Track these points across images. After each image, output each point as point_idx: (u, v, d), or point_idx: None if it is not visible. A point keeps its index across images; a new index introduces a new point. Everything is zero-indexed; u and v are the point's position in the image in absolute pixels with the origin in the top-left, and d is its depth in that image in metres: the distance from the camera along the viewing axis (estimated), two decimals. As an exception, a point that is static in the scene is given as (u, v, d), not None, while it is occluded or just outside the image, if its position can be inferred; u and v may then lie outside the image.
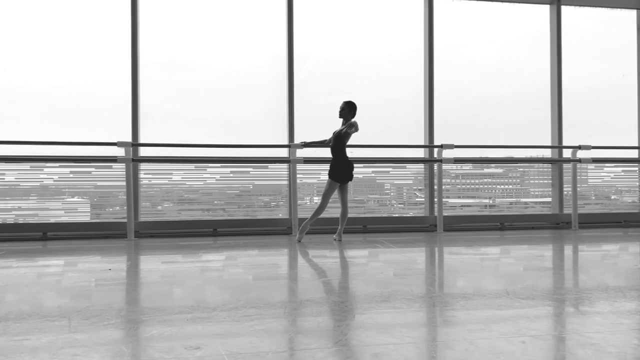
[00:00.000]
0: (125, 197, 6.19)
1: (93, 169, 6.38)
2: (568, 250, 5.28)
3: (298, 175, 6.58)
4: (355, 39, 7.19)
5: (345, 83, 7.09)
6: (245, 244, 5.56)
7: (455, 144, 6.80)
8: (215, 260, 4.54)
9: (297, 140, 6.64)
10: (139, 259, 4.65)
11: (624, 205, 7.80)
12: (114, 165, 6.31)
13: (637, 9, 8.03)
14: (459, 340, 2.13)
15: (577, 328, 2.36)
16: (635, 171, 7.80)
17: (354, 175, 5.86)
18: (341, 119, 5.78)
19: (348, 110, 5.68)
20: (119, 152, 6.18)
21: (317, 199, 6.99)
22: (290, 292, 3.18)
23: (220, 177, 6.74)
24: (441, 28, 7.18)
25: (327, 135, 6.04)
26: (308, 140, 6.30)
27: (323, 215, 6.68)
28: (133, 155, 6.23)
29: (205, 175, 6.71)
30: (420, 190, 7.20)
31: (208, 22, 6.87)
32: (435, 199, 6.88)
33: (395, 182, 7.22)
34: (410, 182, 7.27)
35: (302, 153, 6.54)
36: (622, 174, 7.76)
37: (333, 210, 6.28)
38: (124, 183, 6.20)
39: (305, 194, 7.01)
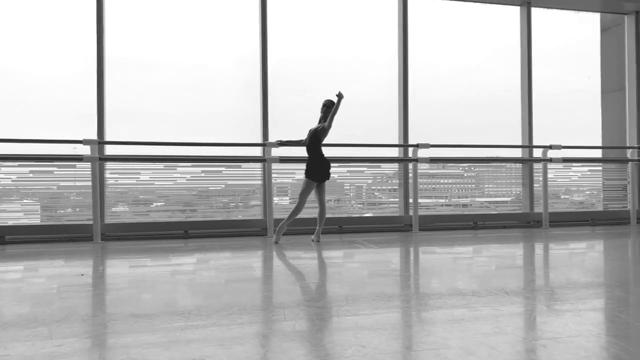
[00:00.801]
0: (88, 197, 5.88)
1: (55, 169, 6.04)
2: (539, 248, 5.30)
3: (273, 175, 6.41)
4: (329, 40, 7.07)
5: (319, 84, 6.96)
6: (218, 246, 5.35)
7: (430, 144, 6.78)
8: (186, 264, 4.32)
9: (272, 139, 6.47)
10: (106, 263, 4.39)
11: (591, 204, 7.97)
12: (78, 164, 5.98)
13: (600, 12, 8.23)
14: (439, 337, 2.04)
15: (546, 323, 2.31)
16: (599, 170, 7.99)
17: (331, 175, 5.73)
18: (318, 119, 5.64)
19: (329, 109, 5.54)
20: (85, 150, 5.86)
21: (290, 199, 6.85)
22: (266, 295, 3.03)
23: (191, 176, 6.49)
24: (415, 28, 7.15)
25: (300, 134, 5.91)
26: (284, 139, 6.14)
27: (300, 215, 6.55)
28: (99, 154, 5.93)
29: (175, 175, 6.45)
30: (380, 190, 7.15)
31: (177, 20, 6.62)
32: (411, 199, 6.84)
33: (357, 183, 7.14)
34: (370, 181, 7.21)
35: (277, 152, 6.38)
36: (589, 173, 7.93)
37: (310, 211, 6.14)
38: (89, 183, 5.89)
39: (281, 193, 6.85)
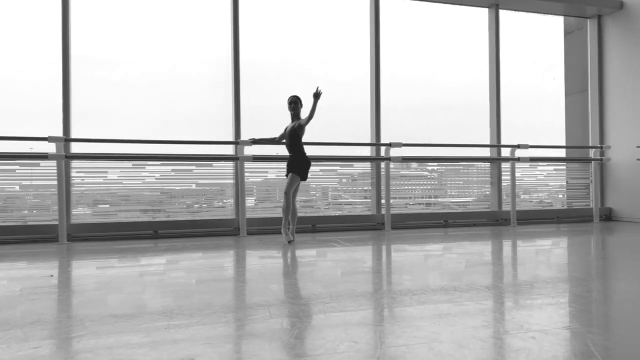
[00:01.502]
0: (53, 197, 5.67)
1: (17, 167, 5.79)
2: (511, 245, 5.39)
3: (245, 174, 6.32)
4: (300, 40, 7.03)
5: (290, 83, 6.91)
6: (190, 246, 5.23)
7: (403, 143, 6.82)
8: (159, 264, 4.20)
9: (244, 137, 6.38)
10: (75, 264, 4.23)
11: (556, 202, 8.18)
12: (43, 163, 5.76)
13: (564, 15, 8.46)
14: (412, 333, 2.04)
15: (515, 317, 2.35)
16: (563, 169, 8.21)
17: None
18: (290, 117, 5.58)
19: (297, 105, 5.49)
20: (50, 148, 5.64)
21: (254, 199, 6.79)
22: (248, 294, 2.96)
23: (161, 175, 6.34)
24: (387, 28, 7.18)
25: (271, 133, 5.86)
26: (257, 137, 6.06)
27: (272, 215, 6.51)
28: (65, 152, 5.72)
29: (144, 174, 6.29)
30: (350, 190, 7.16)
31: (147, 19, 6.46)
32: (383, 198, 6.86)
33: (329, 183, 7.13)
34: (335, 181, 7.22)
35: (250, 150, 6.30)
36: (554, 172, 8.14)
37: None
38: (54, 182, 5.67)
39: (255, 192, 6.76)
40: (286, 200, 5.38)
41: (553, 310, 2.53)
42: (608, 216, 8.13)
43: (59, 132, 5.85)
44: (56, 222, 5.66)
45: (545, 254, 4.73)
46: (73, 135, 5.93)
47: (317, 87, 5.22)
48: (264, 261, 4.35)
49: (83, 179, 6.08)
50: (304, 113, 5.45)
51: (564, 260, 4.44)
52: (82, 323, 2.32)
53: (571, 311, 2.53)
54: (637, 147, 7.60)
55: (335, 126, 7.00)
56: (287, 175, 5.52)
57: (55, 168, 5.64)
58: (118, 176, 6.18)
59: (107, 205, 6.22)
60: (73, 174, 5.96)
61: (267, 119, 6.55)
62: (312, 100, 5.23)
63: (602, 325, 2.35)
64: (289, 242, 5.33)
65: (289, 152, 5.50)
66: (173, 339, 2.07)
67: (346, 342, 2.01)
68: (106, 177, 6.13)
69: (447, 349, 1.93)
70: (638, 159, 7.60)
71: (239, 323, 2.33)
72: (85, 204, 6.14)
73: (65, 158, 5.66)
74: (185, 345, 1.98)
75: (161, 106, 6.51)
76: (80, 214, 6.06)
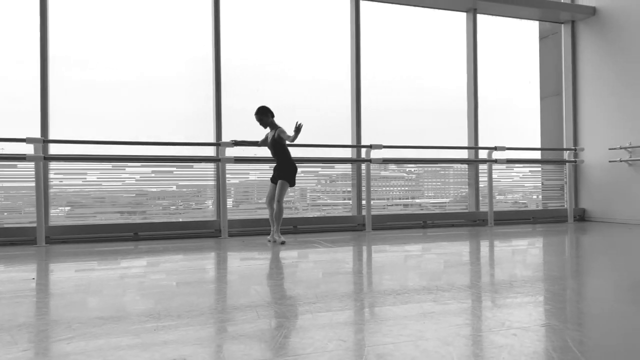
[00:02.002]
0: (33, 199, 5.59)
1: (-6, 169, 5.70)
2: (490, 245, 5.51)
3: (227, 175, 6.31)
4: (281, 43, 7.06)
5: (271, 85, 6.94)
6: (172, 248, 5.22)
7: (383, 145, 6.90)
8: (137, 267, 4.17)
9: (225, 139, 6.39)
10: (54, 267, 4.19)
11: (532, 203, 8.37)
12: (20, 164, 5.67)
13: (539, 20, 8.66)
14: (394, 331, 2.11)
15: (494, 316, 2.43)
16: (539, 171, 8.40)
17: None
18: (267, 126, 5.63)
19: (265, 116, 5.52)
20: (28, 149, 5.57)
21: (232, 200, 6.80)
22: (234, 295, 2.99)
23: (141, 177, 6.30)
24: (368, 31, 7.26)
25: (251, 135, 5.89)
26: (239, 139, 6.07)
27: (254, 216, 6.53)
28: (44, 153, 5.65)
29: (124, 175, 6.24)
30: (330, 191, 7.22)
31: (126, 20, 6.42)
32: (364, 200, 6.93)
33: (309, 184, 7.18)
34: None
35: (231, 152, 6.30)
36: (530, 174, 8.33)
37: (265, 211, 6.10)
38: (32, 184, 5.60)
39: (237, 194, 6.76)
40: (278, 208, 5.44)
41: (532, 308, 2.61)
42: (582, 216, 8.35)
43: (36, 133, 5.78)
44: (34, 225, 5.58)
45: (522, 254, 4.84)
46: (51, 136, 5.86)
47: (297, 122, 5.28)
48: (247, 262, 4.37)
49: (61, 181, 6.01)
50: (280, 123, 5.53)
51: (540, 259, 4.56)
52: (70, 325, 2.31)
53: (549, 309, 2.61)
54: (610, 149, 7.82)
55: (317, 127, 7.05)
56: (272, 181, 5.57)
57: (34, 170, 5.55)
58: (97, 178, 6.12)
59: (86, 208, 6.15)
60: (51, 175, 5.89)
61: (248, 120, 6.56)
62: (293, 132, 5.29)
63: (578, 321, 2.43)
64: (282, 242, 5.45)
65: (276, 159, 5.56)
66: (163, 340, 2.08)
67: (335, 340, 2.06)
68: (85, 179, 6.07)
69: (432, 346, 1.99)
70: (610, 161, 7.83)
71: (227, 324, 2.36)
72: (63, 206, 6.06)
73: (44, 159, 5.59)
74: (175, 346, 2.00)
75: (141, 107, 6.47)
76: (59, 216, 5.99)
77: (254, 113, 5.54)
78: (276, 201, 5.45)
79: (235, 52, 6.71)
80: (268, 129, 5.63)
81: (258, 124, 5.58)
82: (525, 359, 1.85)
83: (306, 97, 7.07)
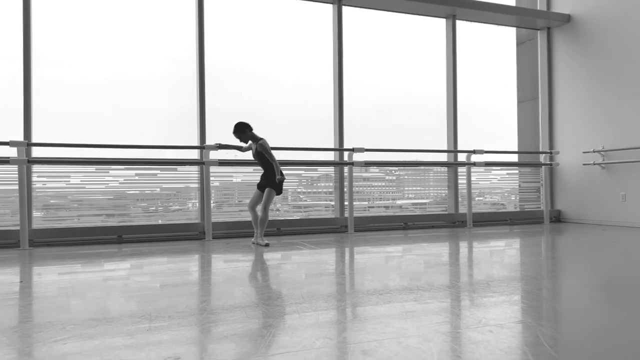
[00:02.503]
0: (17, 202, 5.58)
1: (-24, 171, 5.68)
2: (469, 246, 5.67)
3: (211, 178, 6.38)
4: (265, 45, 7.16)
5: (255, 87, 7.03)
6: (156, 251, 5.27)
7: (365, 148, 7.03)
8: (124, 269, 4.22)
9: (209, 141, 6.45)
10: (39, 270, 4.21)
11: (509, 205, 8.59)
12: (1, 167, 5.66)
13: (516, 27, 8.90)
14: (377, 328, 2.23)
15: (475, 314, 2.57)
16: (516, 173, 8.63)
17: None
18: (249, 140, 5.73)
19: (244, 133, 5.60)
20: (11, 152, 5.56)
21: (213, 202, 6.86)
22: (222, 296, 3.08)
23: (125, 179, 6.33)
24: (350, 36, 7.39)
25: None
26: (223, 142, 6.14)
27: (239, 219, 6.60)
28: (27, 156, 5.65)
29: (107, 178, 6.26)
30: (311, 193, 7.34)
31: (109, 22, 6.44)
32: (346, 202, 7.05)
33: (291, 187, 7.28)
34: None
35: (215, 155, 6.37)
36: (507, 176, 8.55)
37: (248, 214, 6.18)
38: (15, 187, 5.59)
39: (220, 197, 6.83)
40: (264, 215, 5.57)
41: (507, 306, 2.75)
42: (557, 218, 8.60)
43: (17, 133, 5.78)
44: (17, 228, 5.58)
45: (500, 255, 5.01)
46: (34, 138, 5.86)
47: (279, 178, 5.48)
48: (233, 264, 4.45)
49: (44, 184, 6.01)
50: (261, 131, 5.70)
51: (517, 260, 4.72)
52: (64, 327, 2.38)
53: (523, 307, 2.76)
54: (584, 152, 8.08)
55: (300, 130, 7.16)
56: (259, 188, 5.66)
57: (17, 172, 5.55)
58: (81, 180, 6.13)
59: (70, 210, 6.16)
60: (34, 178, 5.89)
61: (233, 121, 6.64)
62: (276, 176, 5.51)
63: (551, 319, 2.58)
64: (266, 244, 5.56)
65: (263, 168, 5.67)
66: (157, 340, 2.16)
67: (322, 339, 2.17)
68: (69, 181, 6.08)
69: (414, 342, 2.11)
70: (584, 164, 8.08)
71: (217, 324, 2.45)
72: (46, 208, 6.06)
73: (28, 162, 5.59)
74: (169, 345, 2.09)
75: (124, 106, 6.49)
76: (42, 218, 5.98)
77: (232, 132, 5.61)
78: (262, 208, 5.55)
79: (219, 52, 6.78)
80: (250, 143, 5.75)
81: (242, 141, 5.67)
82: (500, 353, 1.98)
83: (290, 98, 7.17)
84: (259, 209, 5.72)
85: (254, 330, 2.32)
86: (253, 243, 5.73)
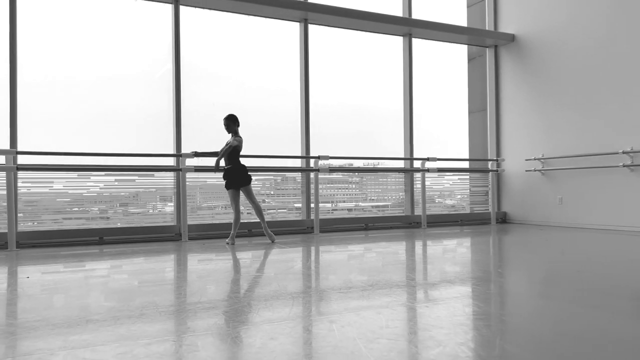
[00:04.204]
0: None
1: (-37, 178, 6.00)
2: (425, 245, 6.35)
3: (187, 183, 6.86)
4: (235, 56, 7.69)
5: (226, 99, 7.55)
6: (137, 251, 5.72)
7: (330, 155, 7.66)
8: (100, 269, 4.51)
9: (185, 145, 6.94)
10: (28, 270, 4.55)
11: (461, 207, 9.37)
12: (-11, 173, 6.01)
13: (467, 44, 9.71)
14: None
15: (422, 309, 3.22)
16: (467, 179, 9.43)
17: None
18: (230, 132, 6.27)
19: (232, 123, 6.18)
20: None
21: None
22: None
23: (105, 185, 6.75)
24: (315, 54, 8.01)
25: (214, 141, 6.51)
26: (199, 150, 6.63)
27: (214, 221, 7.08)
28: (14, 163, 6.01)
29: (88, 184, 6.67)
30: (276, 195, 7.92)
31: (84, 31, 6.86)
32: (312, 205, 7.66)
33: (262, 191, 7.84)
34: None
35: (191, 162, 6.86)
36: (459, 181, 9.33)
37: (226, 216, 6.71)
38: (2, 192, 5.95)
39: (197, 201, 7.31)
40: (256, 208, 6.26)
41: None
42: (503, 219, 9.43)
43: (4, 141, 6.14)
44: (4, 230, 5.94)
45: (452, 252, 5.70)
46: (20, 145, 6.23)
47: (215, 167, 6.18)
48: (211, 264, 4.97)
49: (29, 189, 6.38)
50: (241, 133, 6.22)
51: (467, 257, 5.42)
52: (60, 326, 2.88)
53: (472, 301, 3.41)
54: (526, 160, 8.93)
55: (268, 136, 7.73)
56: (227, 188, 6.19)
57: (5, 179, 5.92)
58: (64, 186, 6.52)
59: (53, 213, 6.53)
60: (19, 183, 6.25)
61: (206, 125, 7.16)
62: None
63: (498, 311, 3.24)
64: (272, 241, 6.33)
65: (228, 164, 6.21)
66: (147, 335, 2.67)
67: (289, 329, 2.75)
68: (52, 186, 6.46)
69: (369, 314, 2.72)
70: (527, 170, 8.93)
71: (210, 319, 2.99)
72: (32, 212, 6.42)
73: (17, 170, 5.96)
74: (166, 338, 2.61)
75: (101, 107, 6.89)
76: (27, 221, 6.34)
77: (223, 117, 6.22)
78: (253, 204, 6.24)
79: (193, 60, 7.28)
80: (230, 136, 6.27)
81: (225, 128, 6.25)
82: (434, 317, 2.61)
83: (258, 103, 7.72)
84: (236, 207, 6.26)
85: (228, 324, 2.87)
86: (227, 243, 6.25)
